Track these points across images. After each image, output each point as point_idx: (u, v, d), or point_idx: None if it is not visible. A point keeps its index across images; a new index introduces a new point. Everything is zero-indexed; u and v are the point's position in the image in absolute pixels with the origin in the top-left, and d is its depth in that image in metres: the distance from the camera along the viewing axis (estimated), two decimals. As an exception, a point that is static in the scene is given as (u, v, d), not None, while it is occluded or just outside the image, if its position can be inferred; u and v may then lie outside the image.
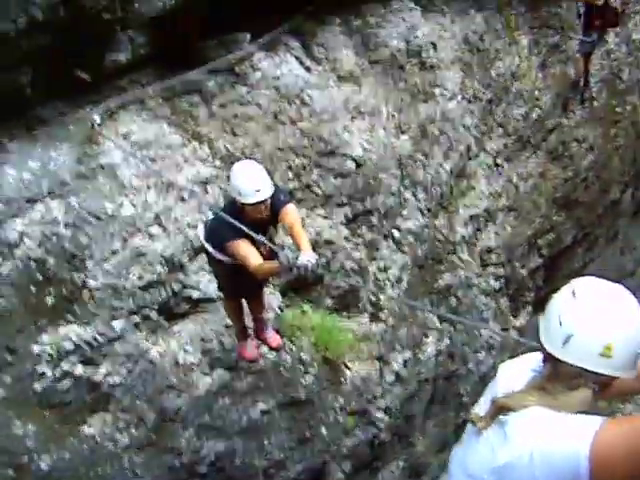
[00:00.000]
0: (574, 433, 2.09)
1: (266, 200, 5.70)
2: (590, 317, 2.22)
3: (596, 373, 2.21)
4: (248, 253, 5.63)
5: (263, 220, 5.83)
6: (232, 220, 5.60)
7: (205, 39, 8.37)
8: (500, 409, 2.30)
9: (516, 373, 2.48)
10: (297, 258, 5.28)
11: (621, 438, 2.05)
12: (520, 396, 2.29)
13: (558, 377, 2.27)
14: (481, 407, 2.50)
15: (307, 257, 5.28)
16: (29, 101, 6.79)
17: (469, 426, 2.50)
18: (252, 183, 5.65)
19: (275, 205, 5.81)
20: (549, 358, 2.31)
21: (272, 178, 7.85)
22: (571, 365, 2.23)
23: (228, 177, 7.61)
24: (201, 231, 6.32)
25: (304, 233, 5.81)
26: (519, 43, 12.57)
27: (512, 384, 2.41)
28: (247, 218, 5.71)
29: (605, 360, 2.19)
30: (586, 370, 2.21)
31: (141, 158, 7.27)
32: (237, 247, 5.68)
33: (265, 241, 5.67)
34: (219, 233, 5.89)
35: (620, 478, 2.08)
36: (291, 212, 5.88)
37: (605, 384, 2.27)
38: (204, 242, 6.20)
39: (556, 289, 2.39)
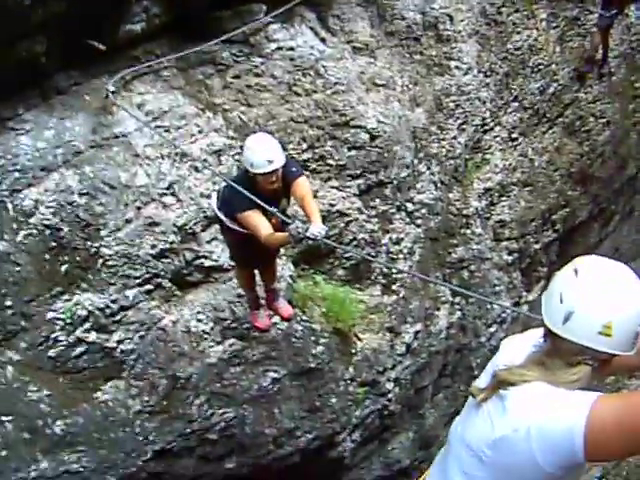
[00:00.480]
0: (570, 409, 2.13)
1: (277, 170, 5.74)
2: (591, 295, 2.25)
3: (595, 350, 2.24)
4: (259, 223, 5.69)
5: (275, 191, 5.89)
6: (244, 191, 5.65)
7: (220, 10, 8.36)
8: (500, 383, 2.34)
9: (518, 348, 2.51)
10: (307, 229, 5.33)
11: (614, 414, 2.08)
12: (520, 371, 2.33)
13: (558, 353, 2.31)
14: (482, 381, 2.54)
15: (317, 229, 5.34)
16: (44, 71, 6.85)
17: (470, 399, 2.54)
18: (264, 154, 5.69)
19: (287, 177, 5.87)
20: (550, 334, 2.34)
21: (286, 149, 7.95)
22: (571, 342, 2.26)
23: (241, 147, 7.69)
24: (214, 200, 6.38)
25: (315, 205, 5.86)
26: (537, 16, 12.46)
27: (513, 359, 2.44)
28: (259, 189, 5.76)
29: (604, 338, 2.22)
30: (586, 347, 2.24)
31: (155, 128, 7.32)
32: (248, 217, 5.75)
33: (276, 212, 5.73)
34: (231, 203, 5.95)
35: (613, 453, 2.14)
36: (302, 184, 5.92)
37: (604, 361, 2.30)
38: (217, 211, 6.26)
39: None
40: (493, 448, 2.30)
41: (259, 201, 5.62)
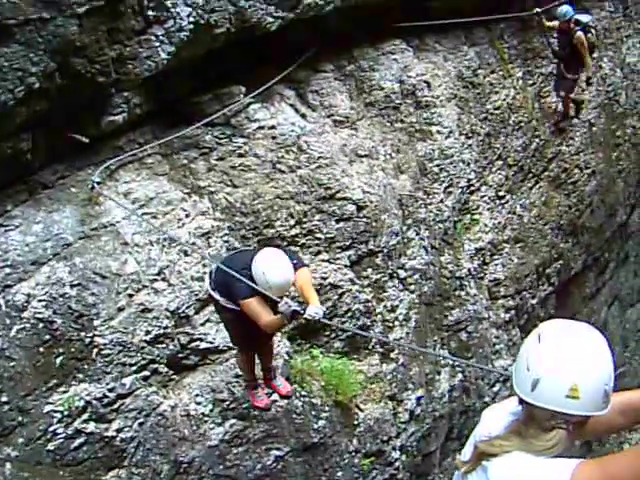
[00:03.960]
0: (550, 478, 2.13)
1: None
2: (553, 360, 2.28)
3: (566, 414, 2.26)
4: (261, 311, 5.88)
5: None
6: (255, 286, 5.84)
7: (200, 94, 8.55)
8: (481, 455, 2.36)
9: (497, 418, 2.53)
10: (304, 309, 5.58)
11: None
12: (499, 442, 2.34)
13: (532, 420, 2.33)
14: (466, 452, 2.54)
15: (315, 309, 5.63)
16: (30, 166, 6.99)
17: (456, 472, 2.55)
18: (281, 278, 5.85)
19: None
20: (523, 402, 2.37)
21: (273, 227, 8.04)
22: (542, 408, 2.28)
23: (230, 228, 7.78)
24: (207, 281, 6.44)
25: (313, 290, 6.08)
26: (513, 75, 12.74)
27: (492, 428, 2.46)
28: None
29: (572, 401, 2.24)
30: (557, 412, 2.26)
31: (142, 215, 7.41)
32: (250, 305, 5.91)
33: (272, 296, 5.85)
34: (232, 288, 6.04)
35: None
36: (304, 275, 6.12)
37: (579, 423, 2.31)
38: (212, 292, 6.32)
39: (570, 315, 2.43)
40: None
41: (262, 290, 5.82)
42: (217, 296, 6.28)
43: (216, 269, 6.35)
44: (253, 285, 5.81)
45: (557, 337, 2.35)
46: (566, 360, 2.27)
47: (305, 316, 5.58)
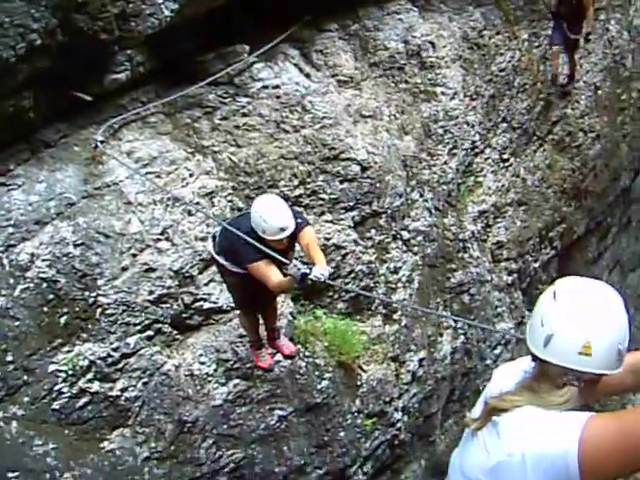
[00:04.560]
0: (562, 433, 2.11)
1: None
2: (568, 317, 2.27)
3: (579, 371, 2.25)
4: (270, 273, 5.78)
5: (284, 247, 5.97)
6: (256, 243, 5.75)
7: (204, 53, 8.45)
8: (492, 410, 2.34)
9: (508, 376, 2.52)
10: (310, 270, 5.48)
11: (606, 435, 2.07)
12: (511, 397, 2.33)
13: (545, 377, 2.32)
14: (476, 410, 2.53)
15: (321, 270, 5.52)
16: (32, 125, 6.93)
17: (466, 430, 2.54)
18: (277, 222, 5.76)
19: (294, 229, 5.92)
20: (536, 359, 2.36)
21: (277, 187, 8.00)
22: (554, 365, 2.27)
23: (234, 188, 7.74)
24: (210, 245, 6.39)
25: (319, 250, 6.01)
26: (519, 37, 12.61)
27: (503, 385, 2.45)
28: (267, 243, 5.85)
29: (585, 358, 2.23)
30: (569, 369, 2.25)
31: (146, 174, 7.36)
32: (259, 268, 5.81)
33: (280, 258, 5.79)
34: (239, 252, 5.97)
35: (609, 474, 2.10)
36: (308, 233, 6.04)
37: (591, 381, 2.30)
38: (216, 256, 6.27)
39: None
40: (490, 475, 2.29)
41: (275, 254, 5.73)
42: (222, 260, 6.21)
43: (220, 233, 6.30)
44: (259, 246, 5.74)
45: (573, 294, 2.33)
46: (580, 317, 2.25)
47: (311, 277, 5.47)
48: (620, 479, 2.12)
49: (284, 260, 5.78)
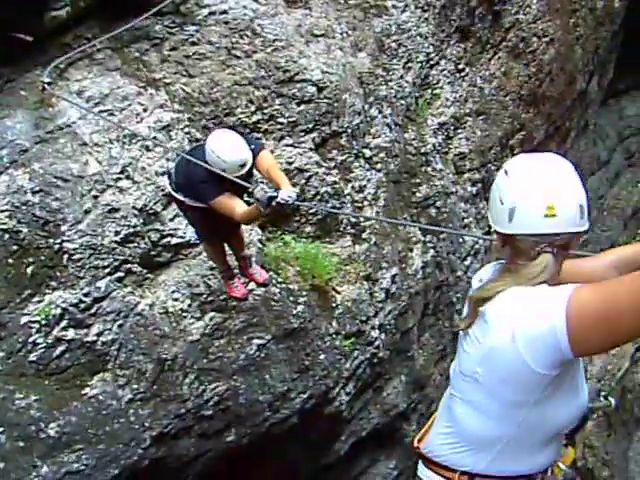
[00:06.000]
0: (548, 307, 2.12)
1: None
2: (525, 186, 2.31)
3: (548, 235, 2.28)
4: (233, 205, 5.68)
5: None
6: (219, 172, 5.60)
7: (146, -18, 8.16)
8: (477, 302, 2.36)
9: (485, 271, 2.59)
10: (277, 193, 5.33)
11: (590, 304, 2.07)
12: (492, 283, 2.36)
13: (518, 254, 2.35)
14: (464, 310, 2.57)
15: (288, 193, 5.39)
16: (-26, 71, 6.67)
17: (459, 336, 2.55)
18: (235, 158, 5.61)
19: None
20: (505, 240, 2.38)
21: (234, 114, 7.84)
22: (524, 236, 2.30)
23: (190, 119, 7.57)
24: (167, 182, 6.25)
25: (281, 172, 5.90)
26: (465, -57, 12.31)
27: (483, 279, 2.51)
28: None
29: (551, 220, 2.26)
30: (539, 236, 2.28)
31: (99, 113, 7.16)
32: (222, 203, 5.69)
33: (243, 183, 5.65)
34: (198, 190, 5.83)
35: (597, 344, 2.11)
36: (266, 157, 5.93)
37: (563, 247, 2.33)
38: (174, 193, 6.13)
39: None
40: (484, 363, 2.32)
41: (239, 181, 5.59)
42: (181, 197, 6.09)
43: (175, 170, 6.14)
44: (218, 171, 5.57)
45: (523, 165, 2.39)
46: (538, 182, 2.30)
47: (278, 200, 5.31)
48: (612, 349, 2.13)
49: (247, 185, 5.66)
